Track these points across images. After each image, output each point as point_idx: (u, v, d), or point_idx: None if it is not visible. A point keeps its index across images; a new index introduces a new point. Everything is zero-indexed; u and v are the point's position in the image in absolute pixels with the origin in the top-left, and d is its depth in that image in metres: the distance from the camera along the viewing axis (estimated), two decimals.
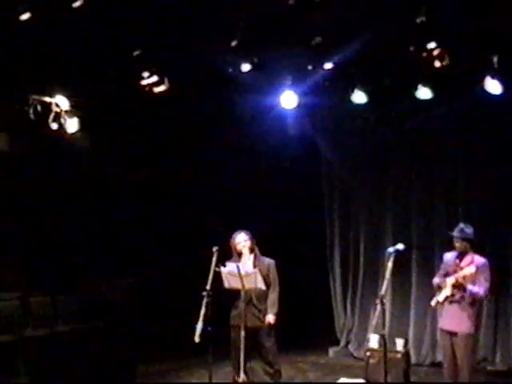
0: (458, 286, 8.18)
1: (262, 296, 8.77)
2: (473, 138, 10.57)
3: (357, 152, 11.70)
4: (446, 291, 8.32)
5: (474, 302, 8.32)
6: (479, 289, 8.18)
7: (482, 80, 8.87)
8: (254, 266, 8.67)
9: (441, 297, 8.40)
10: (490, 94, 8.99)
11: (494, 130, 10.33)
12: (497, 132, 10.32)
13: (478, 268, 8.14)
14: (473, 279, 8.16)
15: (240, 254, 8.76)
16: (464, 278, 8.11)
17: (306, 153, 11.95)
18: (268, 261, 8.85)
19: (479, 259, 8.32)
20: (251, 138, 11.42)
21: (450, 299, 8.34)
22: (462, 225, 8.56)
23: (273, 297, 8.78)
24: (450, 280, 8.25)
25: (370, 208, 11.66)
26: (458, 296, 8.27)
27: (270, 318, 8.75)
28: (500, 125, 10.24)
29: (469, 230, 8.43)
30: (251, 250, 8.78)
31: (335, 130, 11.82)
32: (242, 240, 8.78)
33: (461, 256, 8.37)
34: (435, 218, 10.99)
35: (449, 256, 8.60)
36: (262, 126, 11.06)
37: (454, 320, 8.34)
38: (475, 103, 9.80)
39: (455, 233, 8.45)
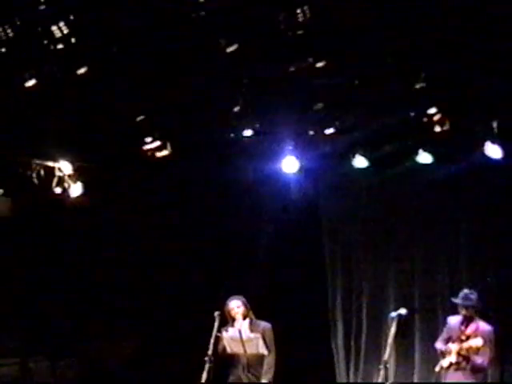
0: (463, 356, 8.10)
1: (258, 360, 8.61)
2: (474, 202, 10.59)
3: (359, 214, 11.69)
4: (451, 358, 8.24)
5: (482, 370, 8.23)
6: (483, 360, 8.09)
7: (482, 145, 8.94)
8: (251, 331, 8.58)
9: (445, 362, 8.33)
10: (490, 159, 9.05)
11: (495, 195, 10.35)
12: (498, 196, 10.34)
13: (484, 339, 8.06)
14: (477, 349, 8.08)
15: (234, 320, 8.68)
16: (468, 349, 8.04)
17: (307, 217, 11.95)
18: (263, 325, 8.67)
19: (484, 326, 8.24)
20: (253, 202, 11.46)
21: (454, 367, 8.25)
22: (466, 290, 8.50)
23: (269, 362, 8.56)
24: (455, 347, 8.17)
25: (373, 271, 11.61)
26: (463, 364, 8.18)
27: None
28: (500, 189, 10.26)
29: (473, 296, 8.38)
30: (244, 316, 8.65)
31: (337, 193, 11.84)
32: (234, 306, 8.66)
33: (466, 322, 8.30)
34: (438, 282, 10.94)
35: (453, 321, 8.54)
36: (264, 190, 11.12)
37: None
38: (476, 168, 9.86)
39: (459, 300, 8.40)
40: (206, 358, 8.15)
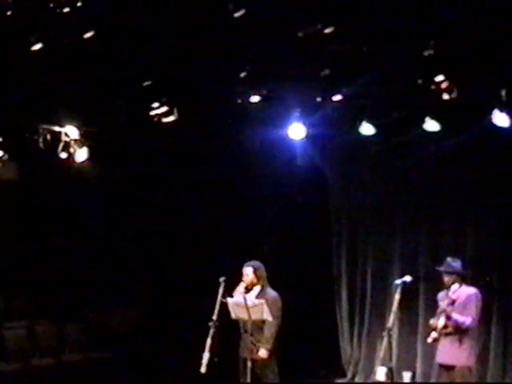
0: (448, 316, 8.15)
1: (262, 326, 8.64)
2: (482, 171, 10.55)
3: (365, 183, 11.69)
4: (440, 322, 8.28)
5: (469, 332, 8.26)
6: (466, 318, 8.13)
7: (490, 113, 8.88)
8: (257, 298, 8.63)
9: (435, 332, 8.37)
10: (498, 127, 9.01)
11: (503, 163, 10.31)
12: (506, 165, 10.29)
13: (465, 297, 8.14)
14: (462, 309, 8.13)
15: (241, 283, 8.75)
16: (451, 304, 8.09)
17: (313, 184, 11.95)
18: (272, 294, 8.72)
19: (468, 289, 8.33)
20: (259, 169, 11.45)
21: (444, 332, 8.28)
22: (449, 259, 8.60)
23: (270, 331, 8.60)
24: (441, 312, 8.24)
25: (378, 239, 11.63)
26: (450, 328, 8.22)
27: (262, 353, 8.55)
28: (507, 158, 10.22)
29: (456, 264, 8.45)
30: (254, 283, 8.72)
31: (343, 161, 11.84)
32: (244, 273, 8.76)
33: (451, 290, 8.36)
34: (443, 250, 10.93)
35: (441, 294, 8.61)
36: (270, 157, 11.10)
37: (450, 353, 8.27)
38: (483, 136, 9.81)
39: (442, 268, 8.46)
40: (211, 324, 8.21)
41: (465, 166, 10.66)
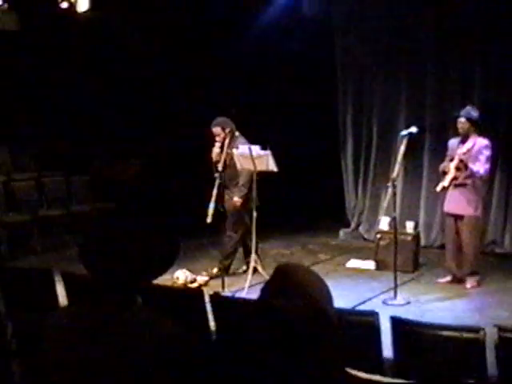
0: (461, 167, 8.19)
1: (235, 181, 8.78)
2: (492, 24, 10.29)
3: (372, 34, 11.45)
4: (450, 174, 8.34)
5: (477, 184, 8.35)
6: (479, 167, 8.20)
7: None
8: (225, 159, 8.67)
9: (446, 181, 8.43)
10: None
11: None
12: None
13: (479, 147, 8.16)
14: (474, 159, 8.17)
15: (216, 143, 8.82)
16: (465, 153, 8.13)
17: (320, 36, 11.72)
18: (243, 142, 8.72)
19: (482, 140, 8.33)
20: (264, 19, 11.22)
21: (454, 183, 8.36)
22: (468, 107, 8.54)
23: (243, 180, 8.70)
24: (453, 163, 8.27)
25: (384, 91, 11.52)
26: (461, 179, 8.30)
27: (235, 200, 8.68)
28: None
29: (474, 113, 8.39)
30: (224, 139, 8.73)
31: (351, 11, 11.56)
32: (215, 134, 8.78)
33: (464, 139, 8.37)
34: (449, 101, 10.86)
35: (452, 142, 8.62)
36: (276, 5, 10.84)
37: (460, 203, 8.40)
38: None
39: (461, 112, 8.41)
40: (217, 175, 8.27)
41: (475, 18, 10.39)
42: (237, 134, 8.76)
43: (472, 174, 8.21)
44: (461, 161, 8.15)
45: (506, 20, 10.10)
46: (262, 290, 2.29)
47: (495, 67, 10.44)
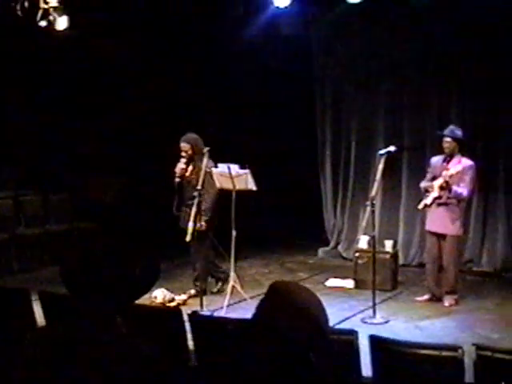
0: (445, 187, 8.26)
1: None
2: (468, 40, 10.39)
3: (350, 52, 11.52)
4: (434, 193, 8.42)
5: (460, 203, 8.44)
6: (463, 189, 8.28)
7: None
8: (192, 172, 8.72)
9: (428, 199, 8.51)
10: None
11: (490, 31, 10.15)
12: (492, 33, 10.14)
13: (464, 168, 8.23)
14: (458, 180, 8.24)
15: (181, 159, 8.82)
16: (451, 176, 8.19)
17: (298, 54, 11.77)
18: (209, 164, 8.58)
19: (466, 161, 8.41)
20: (243, 37, 11.23)
21: (437, 202, 8.44)
22: (452, 126, 8.63)
23: (207, 203, 8.60)
24: (437, 182, 8.34)
25: (362, 110, 11.58)
26: (444, 198, 8.37)
27: (199, 225, 8.46)
28: (495, 25, 10.06)
29: (459, 132, 8.48)
30: (192, 157, 8.74)
31: (328, 30, 11.63)
32: (183, 149, 8.78)
33: (448, 158, 8.44)
34: (427, 121, 10.94)
35: (435, 159, 8.69)
36: (255, 25, 10.87)
37: (442, 222, 8.47)
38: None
39: (445, 132, 8.49)
40: (196, 193, 8.25)
41: (450, 35, 10.48)
42: (205, 151, 8.53)
43: (455, 196, 8.29)
44: (446, 182, 8.21)
45: (480, 39, 10.20)
46: (258, 309, 2.28)
47: (471, 87, 10.52)
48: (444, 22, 10.40)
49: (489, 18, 10.01)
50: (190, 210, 8.64)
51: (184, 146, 8.76)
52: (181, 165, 8.77)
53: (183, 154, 8.77)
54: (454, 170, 8.21)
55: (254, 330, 2.22)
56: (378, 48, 11.23)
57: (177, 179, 8.81)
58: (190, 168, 8.80)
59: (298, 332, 2.12)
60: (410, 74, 11.07)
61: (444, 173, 8.26)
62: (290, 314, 2.16)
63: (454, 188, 8.23)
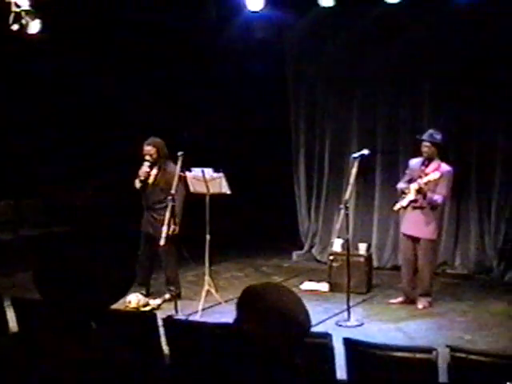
0: (421, 192, 8.32)
1: (162, 203, 8.67)
2: (441, 46, 10.47)
3: (324, 57, 11.54)
4: (410, 196, 8.47)
5: (436, 207, 8.49)
6: (438, 197, 8.35)
7: None
8: (156, 177, 8.75)
9: (404, 202, 8.56)
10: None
11: (463, 38, 10.23)
12: (465, 40, 10.22)
13: (442, 175, 8.26)
14: (434, 186, 8.29)
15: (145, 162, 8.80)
16: (427, 183, 8.24)
17: (272, 58, 11.78)
18: (172, 169, 8.57)
19: (445, 166, 8.45)
20: (216, 41, 11.23)
21: (412, 205, 8.49)
22: (431, 130, 8.66)
23: (178, 206, 8.55)
24: (414, 185, 8.38)
25: (336, 113, 11.60)
26: (420, 202, 8.42)
27: (174, 228, 8.42)
28: (469, 33, 10.14)
29: (438, 136, 8.52)
30: (155, 162, 8.75)
31: (302, 34, 11.64)
32: (147, 152, 8.76)
33: (427, 162, 8.47)
34: (400, 124, 11.00)
35: (414, 162, 8.71)
36: (228, 29, 10.87)
37: (417, 226, 8.52)
38: (444, 9, 9.73)
39: (424, 137, 8.53)
40: (169, 198, 8.23)
41: (425, 41, 10.55)
42: (179, 154, 8.44)
43: (430, 203, 8.34)
44: (421, 188, 8.26)
45: (453, 44, 10.29)
46: (237, 318, 2.25)
47: (444, 91, 10.60)
48: (418, 27, 10.44)
49: (462, 25, 10.09)
50: (157, 214, 8.67)
51: (149, 149, 8.75)
52: (145, 168, 8.77)
53: (147, 157, 8.76)
54: (431, 177, 8.24)
55: (234, 338, 2.21)
56: (351, 52, 11.26)
57: (139, 183, 8.80)
58: (155, 171, 8.80)
59: (280, 337, 2.10)
60: (384, 78, 11.11)
61: (419, 180, 8.30)
62: (269, 319, 2.13)
63: (429, 195, 8.29)
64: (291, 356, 2.14)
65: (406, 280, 8.81)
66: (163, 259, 8.90)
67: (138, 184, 8.82)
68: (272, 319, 2.15)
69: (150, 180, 8.79)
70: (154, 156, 8.73)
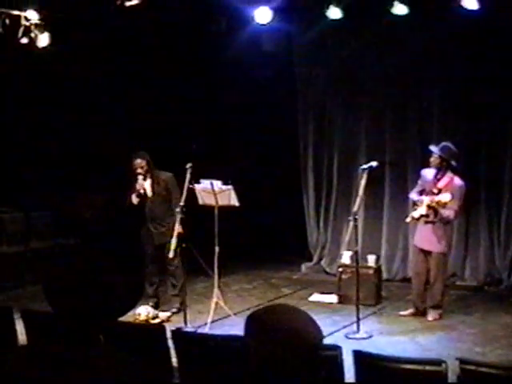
0: (432, 208, 8.31)
1: (166, 212, 8.82)
2: (449, 57, 10.48)
3: (332, 70, 11.56)
4: (421, 210, 8.45)
5: (449, 222, 8.47)
6: (450, 212, 8.33)
7: None
8: (153, 188, 8.82)
9: (416, 214, 8.55)
10: (467, 10, 8.92)
11: (471, 48, 10.24)
12: (473, 50, 10.22)
13: (453, 194, 8.21)
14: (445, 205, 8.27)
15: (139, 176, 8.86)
16: (438, 203, 8.22)
17: (280, 70, 11.81)
18: (165, 176, 8.88)
19: (458, 181, 8.41)
20: (225, 53, 11.26)
21: (424, 219, 8.47)
22: (444, 143, 8.65)
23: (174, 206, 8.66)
24: (426, 201, 8.36)
25: (345, 126, 11.60)
26: (431, 217, 8.40)
27: (177, 228, 8.35)
28: (476, 43, 10.14)
29: (450, 149, 8.48)
30: (147, 174, 8.83)
31: (310, 47, 11.65)
32: (138, 166, 8.83)
33: (440, 175, 8.43)
34: (409, 136, 10.99)
35: (427, 173, 8.68)
36: (236, 41, 10.89)
37: (430, 240, 8.51)
38: (451, 19, 9.72)
39: (437, 149, 8.51)
40: (178, 209, 8.24)
41: (433, 52, 10.56)
42: (187, 166, 8.46)
43: (442, 219, 8.33)
44: (432, 205, 8.25)
45: (461, 56, 10.30)
46: (245, 342, 2.24)
47: (453, 103, 10.60)
48: (426, 38, 10.45)
49: (469, 34, 10.09)
50: (161, 225, 8.72)
51: (140, 161, 8.84)
52: (141, 181, 8.84)
53: (139, 170, 8.84)
54: (442, 198, 8.20)
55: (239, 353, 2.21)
56: (359, 64, 11.28)
57: (136, 198, 8.86)
58: (149, 182, 8.84)
59: (289, 354, 2.08)
60: (392, 90, 11.11)
61: (432, 198, 8.27)
62: (282, 344, 2.11)
63: (441, 211, 8.28)
64: (311, 371, 2.12)
65: (416, 292, 8.79)
66: (174, 272, 8.90)
67: (135, 199, 8.88)
68: (281, 338, 2.14)
69: (149, 192, 8.83)
70: (145, 168, 8.85)
